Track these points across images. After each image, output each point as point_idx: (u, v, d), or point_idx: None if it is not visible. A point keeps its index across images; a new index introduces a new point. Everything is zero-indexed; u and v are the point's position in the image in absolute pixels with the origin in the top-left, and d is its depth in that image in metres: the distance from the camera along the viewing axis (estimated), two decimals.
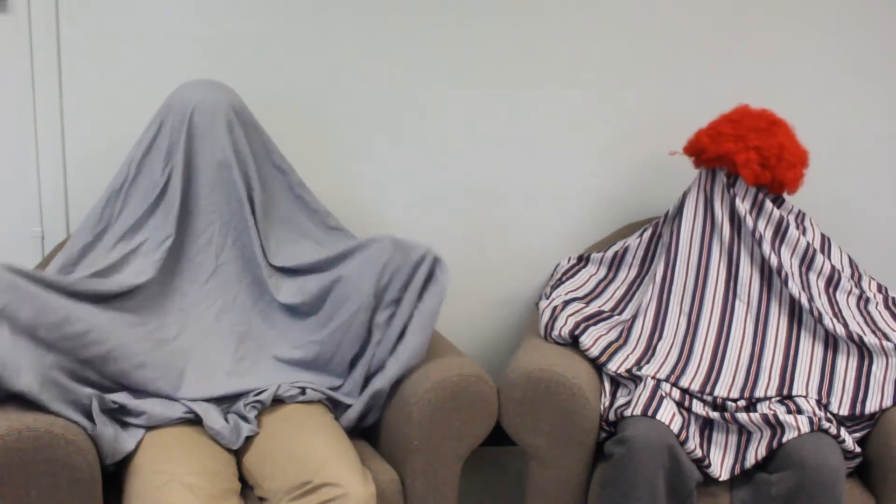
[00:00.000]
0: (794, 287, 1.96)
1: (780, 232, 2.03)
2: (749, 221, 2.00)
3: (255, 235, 1.87)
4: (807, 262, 2.03)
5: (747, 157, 1.97)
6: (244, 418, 1.69)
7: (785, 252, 2.02)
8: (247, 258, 1.88)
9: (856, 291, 2.04)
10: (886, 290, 2.08)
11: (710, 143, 2.02)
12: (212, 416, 1.66)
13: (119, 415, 1.63)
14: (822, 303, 1.99)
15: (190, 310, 1.83)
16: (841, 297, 2.03)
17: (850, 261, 2.11)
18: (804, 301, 1.94)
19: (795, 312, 1.97)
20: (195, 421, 1.67)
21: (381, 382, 1.76)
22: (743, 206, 2.01)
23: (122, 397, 1.64)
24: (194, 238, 1.85)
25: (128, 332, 1.69)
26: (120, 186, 1.86)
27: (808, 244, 2.03)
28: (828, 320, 1.92)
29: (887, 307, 2.03)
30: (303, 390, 1.78)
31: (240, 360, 1.82)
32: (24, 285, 1.56)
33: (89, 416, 1.56)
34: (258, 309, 1.88)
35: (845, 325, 1.93)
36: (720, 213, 2.03)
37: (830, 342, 1.94)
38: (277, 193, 1.95)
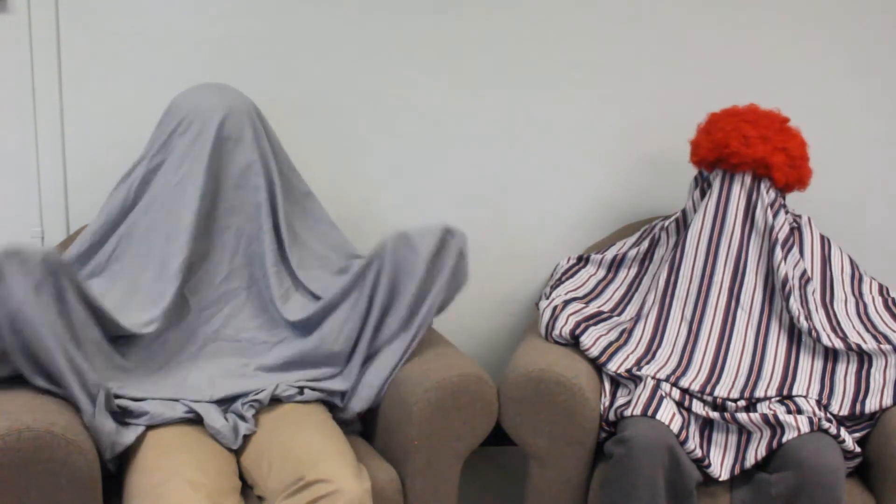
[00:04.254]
0: (794, 304, 1.95)
1: (786, 244, 2.01)
2: (763, 227, 1.98)
3: (270, 240, 1.87)
4: (805, 277, 2.02)
5: (780, 159, 1.96)
6: (242, 417, 1.70)
7: (790, 262, 2.01)
8: (256, 264, 1.88)
9: (852, 300, 2.03)
10: (887, 290, 2.07)
11: (743, 147, 1.95)
12: (212, 416, 1.67)
13: (121, 416, 1.63)
14: (819, 317, 1.98)
15: (201, 313, 1.83)
16: (839, 307, 2.02)
17: (851, 262, 2.10)
18: (802, 321, 1.93)
19: (794, 332, 1.97)
20: (196, 420, 1.68)
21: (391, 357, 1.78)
22: (760, 213, 1.98)
23: (124, 400, 1.64)
24: (213, 238, 1.84)
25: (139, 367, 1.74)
26: (131, 192, 1.85)
27: (805, 271, 2.02)
28: (825, 338, 1.92)
29: (887, 308, 2.03)
30: (301, 390, 1.78)
31: (244, 366, 1.83)
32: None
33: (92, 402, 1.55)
34: (267, 316, 1.89)
35: (844, 339, 1.92)
36: (732, 218, 1.99)
37: (830, 355, 1.93)
38: (295, 198, 1.95)
